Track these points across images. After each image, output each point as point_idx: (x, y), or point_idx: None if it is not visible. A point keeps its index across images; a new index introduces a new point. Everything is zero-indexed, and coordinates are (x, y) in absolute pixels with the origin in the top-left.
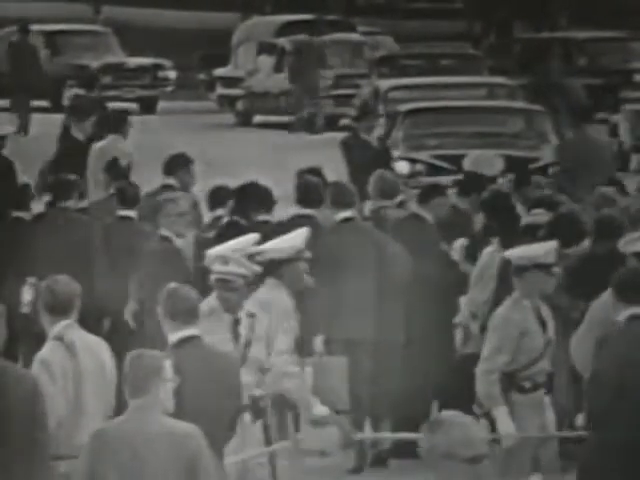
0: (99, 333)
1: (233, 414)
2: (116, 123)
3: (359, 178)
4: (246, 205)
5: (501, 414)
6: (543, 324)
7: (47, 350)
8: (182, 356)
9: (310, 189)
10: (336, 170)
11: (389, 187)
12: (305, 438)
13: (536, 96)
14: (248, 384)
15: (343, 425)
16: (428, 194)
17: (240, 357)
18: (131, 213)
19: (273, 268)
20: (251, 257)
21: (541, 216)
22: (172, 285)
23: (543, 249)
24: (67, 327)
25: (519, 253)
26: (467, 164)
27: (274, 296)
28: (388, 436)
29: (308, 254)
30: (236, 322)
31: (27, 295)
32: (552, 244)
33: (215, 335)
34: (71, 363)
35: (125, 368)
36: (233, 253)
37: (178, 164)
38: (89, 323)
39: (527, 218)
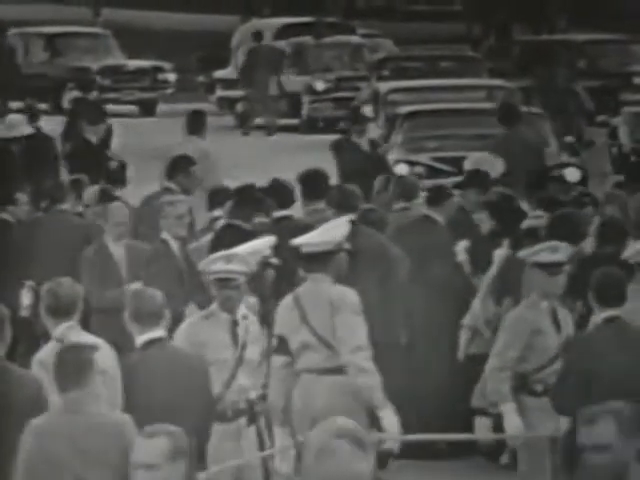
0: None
1: (203, 416)
2: (197, 123)
3: (350, 181)
4: (244, 208)
5: (509, 411)
6: (558, 326)
7: (46, 351)
8: (148, 358)
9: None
10: (335, 172)
11: (410, 188)
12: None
13: (542, 99)
14: (244, 387)
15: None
16: (438, 196)
17: (237, 359)
18: None
19: (316, 261)
20: (296, 249)
21: (541, 218)
22: (137, 287)
23: (539, 248)
24: (69, 329)
25: (522, 253)
26: (467, 166)
27: (340, 291)
28: (388, 437)
29: (348, 245)
30: (234, 324)
31: (26, 299)
32: (550, 244)
33: (214, 337)
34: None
35: (55, 362)
36: (248, 254)
37: (178, 167)
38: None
39: (528, 221)
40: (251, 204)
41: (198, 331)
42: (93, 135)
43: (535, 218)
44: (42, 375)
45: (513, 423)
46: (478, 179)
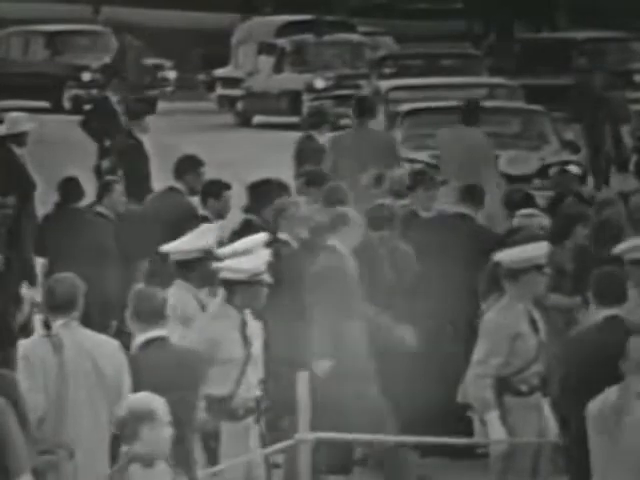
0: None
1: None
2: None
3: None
4: (261, 203)
5: (493, 420)
6: (535, 327)
7: (29, 345)
8: (147, 357)
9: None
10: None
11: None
12: None
13: (574, 106)
14: (253, 384)
15: None
16: (470, 191)
17: (246, 356)
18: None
19: (227, 287)
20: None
21: (533, 217)
22: (138, 286)
23: (540, 249)
24: (63, 326)
25: (516, 255)
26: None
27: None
28: (389, 439)
29: (268, 278)
30: (243, 322)
31: (38, 297)
32: (544, 244)
33: (227, 336)
34: (55, 361)
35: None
36: (244, 251)
37: (186, 167)
38: (97, 324)
39: (518, 219)
40: (267, 199)
41: (212, 330)
42: (140, 132)
43: (526, 217)
44: (21, 368)
45: (497, 434)
46: (473, 195)
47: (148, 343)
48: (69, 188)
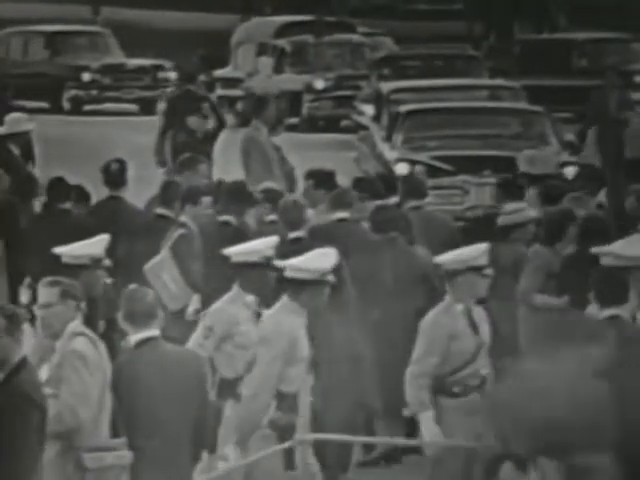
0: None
1: (199, 413)
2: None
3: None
4: (235, 204)
5: (426, 419)
6: (475, 327)
7: (80, 343)
8: (141, 358)
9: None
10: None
11: (419, 187)
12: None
13: (588, 128)
14: None
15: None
16: (554, 192)
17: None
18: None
19: (294, 287)
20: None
21: (518, 213)
22: (131, 286)
23: (476, 251)
24: (77, 325)
25: (452, 257)
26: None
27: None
28: (383, 440)
29: (333, 278)
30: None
31: (24, 297)
32: (484, 246)
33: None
34: (98, 357)
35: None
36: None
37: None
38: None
39: (504, 217)
40: (242, 200)
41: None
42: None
43: (512, 213)
44: (80, 367)
45: (431, 431)
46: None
47: (141, 343)
48: (55, 188)
